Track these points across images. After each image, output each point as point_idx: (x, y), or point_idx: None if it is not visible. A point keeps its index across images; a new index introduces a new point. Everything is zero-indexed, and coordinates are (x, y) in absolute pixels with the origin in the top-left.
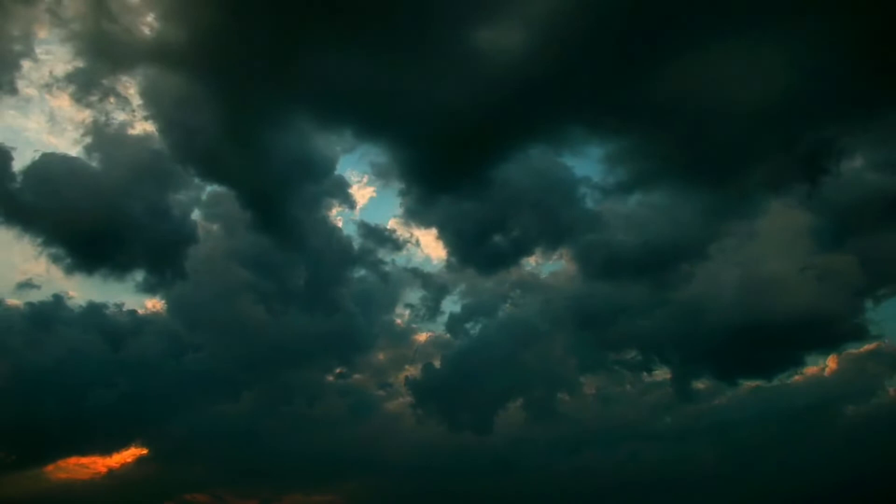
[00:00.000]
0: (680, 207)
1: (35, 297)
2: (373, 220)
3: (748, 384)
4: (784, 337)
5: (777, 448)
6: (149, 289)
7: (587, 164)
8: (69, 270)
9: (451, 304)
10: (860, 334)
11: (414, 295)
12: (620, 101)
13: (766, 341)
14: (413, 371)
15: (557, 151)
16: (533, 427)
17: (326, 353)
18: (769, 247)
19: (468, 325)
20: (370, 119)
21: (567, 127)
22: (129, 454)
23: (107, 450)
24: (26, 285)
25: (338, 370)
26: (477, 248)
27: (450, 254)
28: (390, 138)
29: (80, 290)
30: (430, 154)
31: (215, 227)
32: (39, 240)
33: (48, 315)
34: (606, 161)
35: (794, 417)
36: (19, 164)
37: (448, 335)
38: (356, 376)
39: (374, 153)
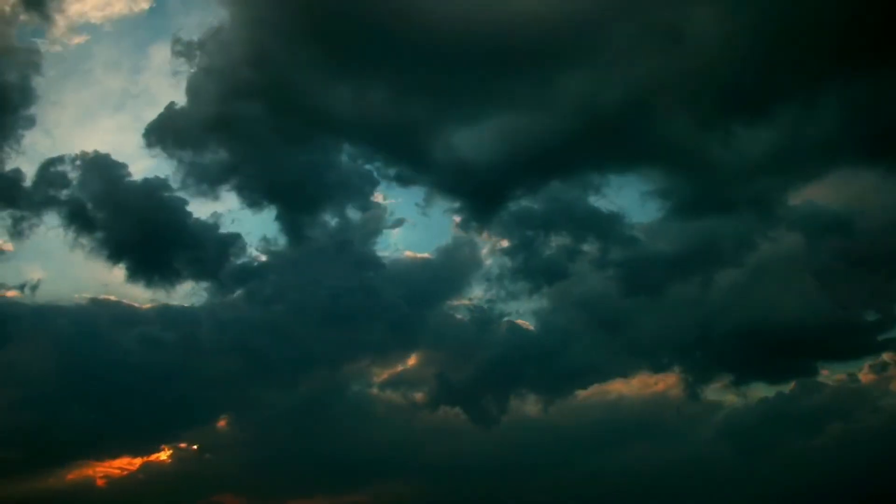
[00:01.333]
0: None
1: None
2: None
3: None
4: (800, 344)
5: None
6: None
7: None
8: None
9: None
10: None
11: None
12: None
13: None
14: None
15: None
16: (562, 427)
17: (362, 355)
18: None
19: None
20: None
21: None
22: (156, 455)
23: (137, 450)
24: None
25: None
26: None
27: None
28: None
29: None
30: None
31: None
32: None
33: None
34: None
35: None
36: None
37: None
38: (392, 378)
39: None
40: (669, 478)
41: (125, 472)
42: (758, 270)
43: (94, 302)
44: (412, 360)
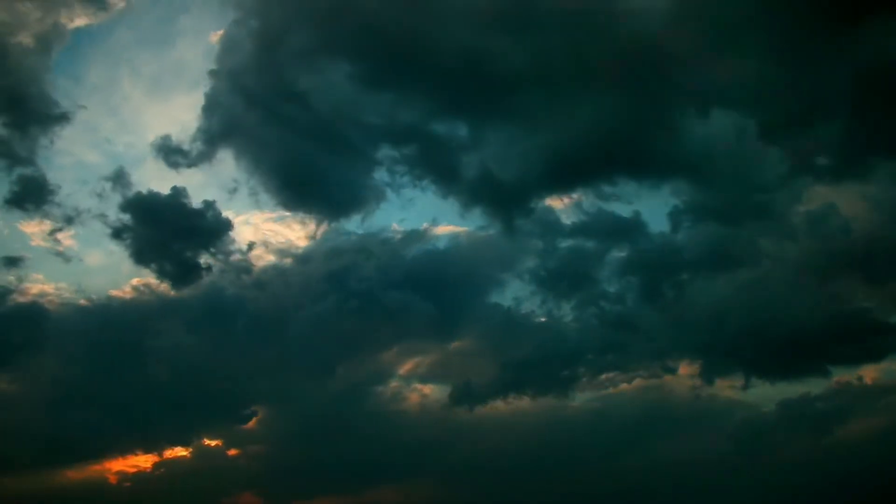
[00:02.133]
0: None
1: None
2: None
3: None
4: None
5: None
6: None
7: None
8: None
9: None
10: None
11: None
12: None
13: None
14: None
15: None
16: (590, 426)
17: (389, 352)
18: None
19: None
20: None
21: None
22: (174, 452)
23: (156, 447)
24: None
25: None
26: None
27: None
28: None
29: None
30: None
31: None
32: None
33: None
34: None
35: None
36: None
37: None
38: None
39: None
40: (694, 473)
41: (142, 469)
42: (778, 274)
43: (114, 298)
44: (434, 359)
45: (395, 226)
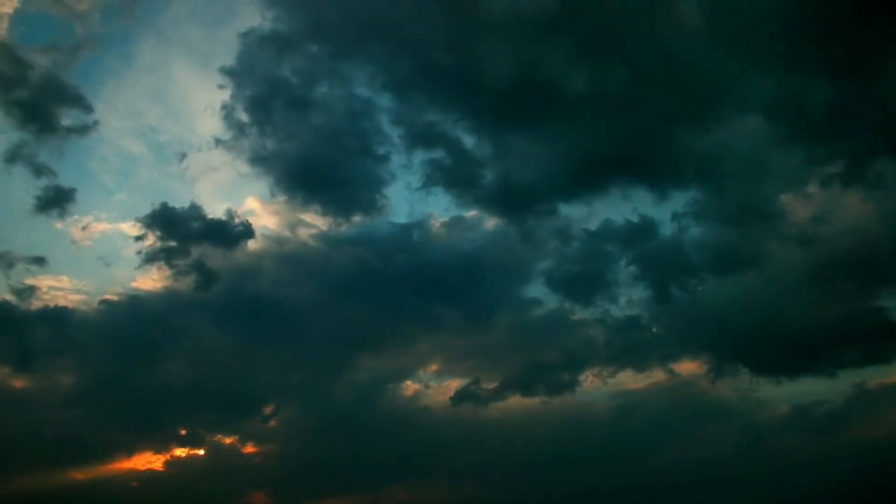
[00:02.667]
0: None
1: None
2: None
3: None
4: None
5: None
6: None
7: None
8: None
9: None
10: None
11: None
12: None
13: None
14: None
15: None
16: (601, 424)
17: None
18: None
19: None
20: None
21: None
22: (185, 451)
23: (169, 444)
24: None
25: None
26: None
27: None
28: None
29: None
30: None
31: None
32: None
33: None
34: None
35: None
36: None
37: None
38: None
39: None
40: (702, 472)
41: (155, 468)
42: (788, 275)
43: (134, 296)
44: (447, 356)
45: (432, 213)
